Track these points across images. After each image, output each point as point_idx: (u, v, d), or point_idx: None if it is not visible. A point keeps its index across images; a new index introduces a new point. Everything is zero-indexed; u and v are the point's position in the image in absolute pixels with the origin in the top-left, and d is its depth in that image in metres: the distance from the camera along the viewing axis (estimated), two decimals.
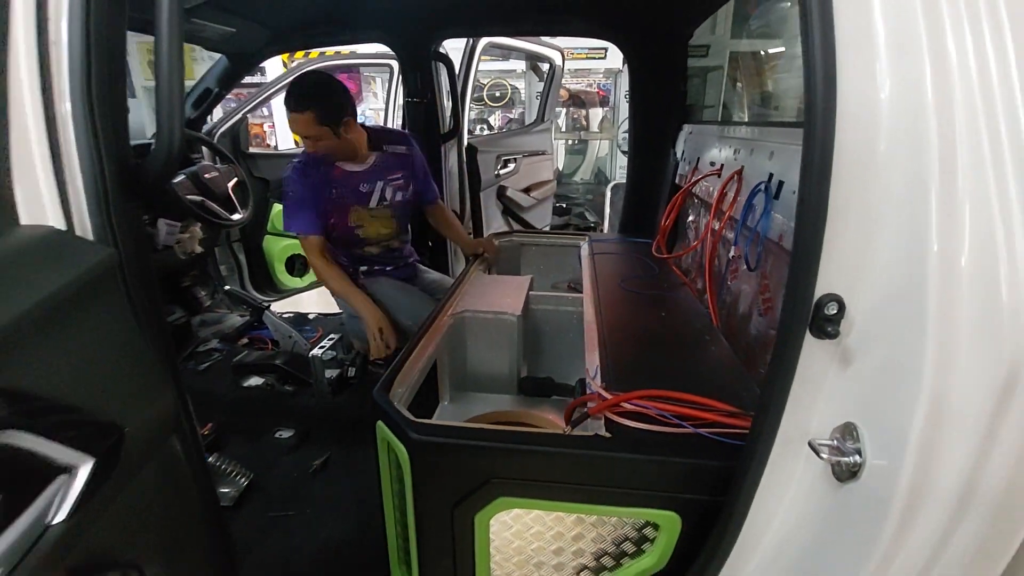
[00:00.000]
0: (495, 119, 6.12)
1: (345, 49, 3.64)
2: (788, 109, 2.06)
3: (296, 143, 3.88)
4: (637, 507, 0.87)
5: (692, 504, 0.84)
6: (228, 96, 2.50)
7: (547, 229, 3.72)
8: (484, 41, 2.80)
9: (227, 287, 2.63)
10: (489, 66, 5.60)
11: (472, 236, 2.65)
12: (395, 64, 3.28)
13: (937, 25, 0.52)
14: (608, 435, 0.88)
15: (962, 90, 0.51)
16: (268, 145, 5.58)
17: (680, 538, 0.86)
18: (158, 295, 0.75)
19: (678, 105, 2.05)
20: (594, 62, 5.60)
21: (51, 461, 0.44)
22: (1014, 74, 0.50)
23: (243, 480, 1.59)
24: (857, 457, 0.59)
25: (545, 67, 3.59)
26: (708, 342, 1.25)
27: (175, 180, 2.01)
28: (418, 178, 2.03)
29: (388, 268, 2.03)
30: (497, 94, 5.89)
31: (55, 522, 0.44)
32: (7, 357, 0.43)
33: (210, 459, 1.62)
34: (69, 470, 0.45)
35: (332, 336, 2.17)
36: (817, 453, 0.62)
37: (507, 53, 4.76)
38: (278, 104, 4.46)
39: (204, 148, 2.43)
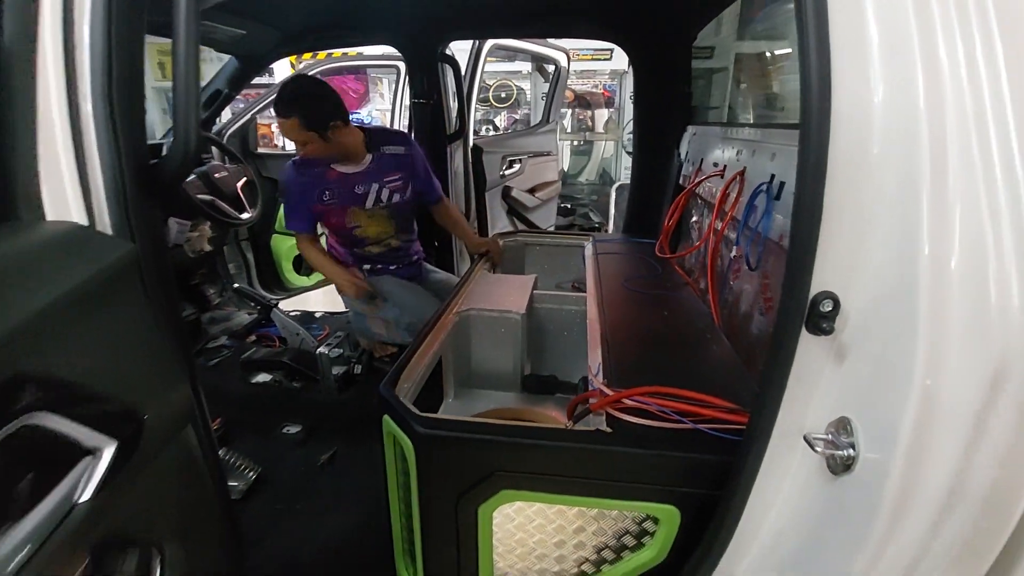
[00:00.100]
0: (501, 120, 6.14)
1: (353, 51, 3.68)
2: (793, 111, 2.06)
3: None
4: (637, 501, 0.88)
5: (691, 498, 0.86)
6: (237, 97, 2.54)
7: (551, 229, 3.73)
8: (490, 43, 2.82)
9: (236, 285, 2.67)
10: (495, 67, 5.63)
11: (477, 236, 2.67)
12: (402, 65, 3.31)
13: (929, 31, 0.53)
14: (609, 430, 0.90)
15: (953, 95, 0.52)
16: (276, 145, 5.62)
17: (679, 531, 0.88)
18: (174, 291, 0.78)
19: (682, 106, 2.06)
20: (599, 63, 5.61)
21: (77, 443, 0.47)
22: (1003, 80, 0.51)
23: (251, 474, 1.62)
24: (851, 451, 0.61)
25: (551, 68, 3.61)
26: (709, 341, 1.26)
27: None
28: (419, 178, 2.02)
29: (392, 267, 2.05)
30: (503, 95, 5.91)
31: (81, 501, 0.46)
32: (36, 344, 0.46)
33: (219, 453, 1.65)
34: (94, 452, 0.48)
35: (339, 334, 2.20)
36: (812, 447, 0.63)
37: (513, 54, 4.79)
38: None
39: (214, 148, 2.46)
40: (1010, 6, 0.52)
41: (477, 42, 2.77)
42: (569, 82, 5.19)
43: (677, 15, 1.92)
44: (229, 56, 2.34)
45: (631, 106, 2.43)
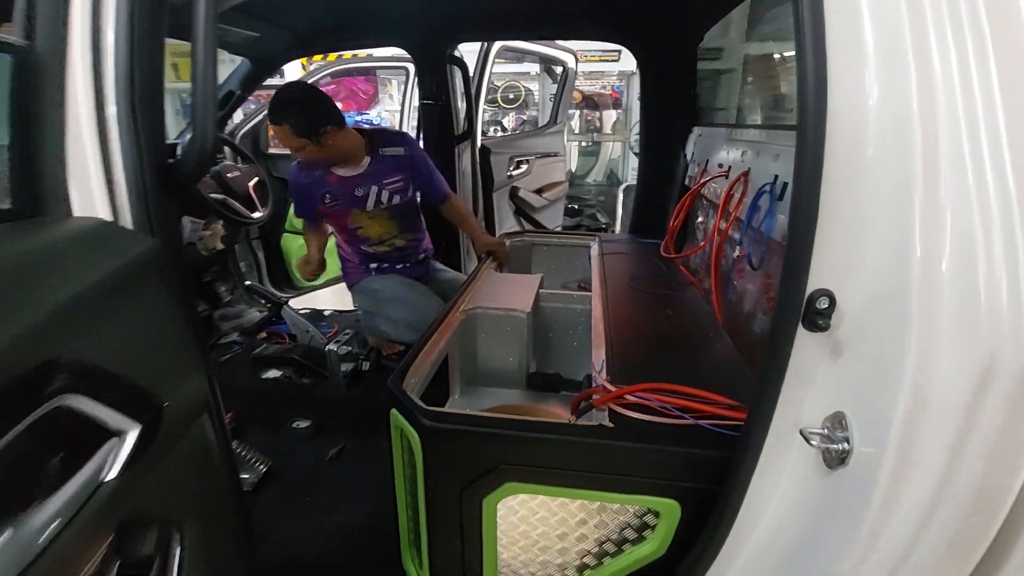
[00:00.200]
0: (509, 121, 6.17)
1: (363, 52, 3.72)
2: None
3: None
4: (639, 494, 0.90)
5: (691, 492, 0.88)
6: (249, 98, 2.59)
7: (558, 230, 3.75)
8: (498, 44, 2.85)
9: (247, 283, 2.71)
10: (503, 68, 5.66)
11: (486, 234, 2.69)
12: (411, 67, 3.35)
13: (923, 36, 0.55)
14: (611, 425, 0.92)
15: (945, 99, 0.54)
16: None
17: (680, 525, 0.89)
18: (190, 285, 0.81)
19: (688, 107, 2.08)
20: (607, 64, 5.62)
21: (104, 424, 0.50)
22: (995, 86, 0.53)
23: (262, 467, 1.65)
24: (845, 444, 0.62)
25: (558, 70, 3.63)
26: (712, 339, 1.28)
27: None
28: (421, 178, 2.01)
29: (398, 266, 2.07)
30: (511, 96, 5.94)
31: (107, 480, 0.49)
32: (68, 331, 0.49)
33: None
34: (119, 434, 0.51)
35: (347, 331, 2.24)
36: (807, 440, 0.65)
37: (521, 56, 4.81)
38: None
39: (227, 148, 2.51)
40: (1002, 13, 0.53)
41: (485, 44, 2.80)
42: (577, 83, 5.21)
43: (683, 17, 1.94)
44: (242, 58, 2.38)
45: (639, 107, 2.45)
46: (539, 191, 3.42)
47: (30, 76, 0.61)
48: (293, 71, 4.76)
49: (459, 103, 2.69)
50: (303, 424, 1.91)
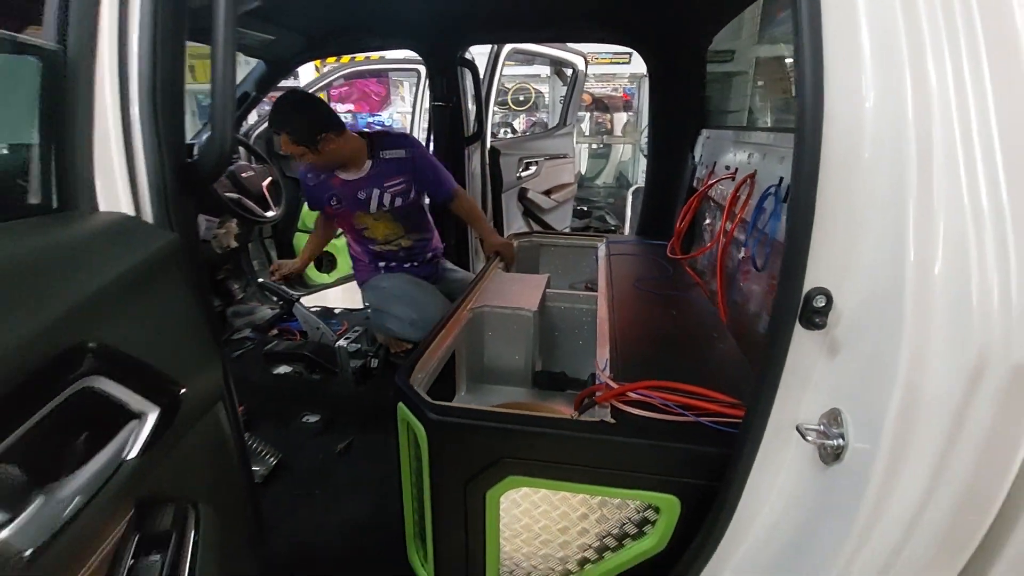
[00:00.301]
0: (519, 123, 6.20)
1: (375, 55, 3.77)
2: None
3: None
4: (639, 490, 0.91)
5: (692, 488, 0.89)
6: (263, 99, 2.64)
7: (566, 231, 3.77)
8: (508, 47, 2.87)
9: (260, 280, 2.76)
10: (514, 71, 5.69)
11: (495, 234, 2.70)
12: (422, 69, 3.39)
13: (918, 42, 0.56)
14: (613, 421, 0.93)
15: (939, 104, 0.55)
16: None
17: (680, 521, 0.91)
18: (206, 280, 0.84)
19: (697, 110, 2.09)
20: (618, 67, 5.63)
21: (126, 406, 0.53)
22: (988, 92, 0.54)
23: (272, 459, 1.69)
24: (840, 440, 0.64)
25: (568, 72, 3.65)
26: (716, 339, 1.29)
27: None
28: (424, 179, 2.00)
29: (407, 265, 2.10)
30: (521, 98, 5.97)
31: (129, 458, 0.52)
32: (94, 318, 0.52)
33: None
34: (140, 416, 0.54)
35: (357, 329, 2.27)
36: (804, 436, 0.66)
37: (531, 58, 4.84)
38: None
39: (241, 148, 2.56)
40: (996, 20, 0.54)
41: (496, 46, 2.83)
42: (588, 85, 5.22)
43: (691, 20, 1.95)
44: (257, 60, 2.43)
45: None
46: (548, 193, 3.44)
47: (61, 78, 0.64)
48: (307, 73, 4.84)
49: (469, 105, 2.72)
50: (313, 419, 1.95)
